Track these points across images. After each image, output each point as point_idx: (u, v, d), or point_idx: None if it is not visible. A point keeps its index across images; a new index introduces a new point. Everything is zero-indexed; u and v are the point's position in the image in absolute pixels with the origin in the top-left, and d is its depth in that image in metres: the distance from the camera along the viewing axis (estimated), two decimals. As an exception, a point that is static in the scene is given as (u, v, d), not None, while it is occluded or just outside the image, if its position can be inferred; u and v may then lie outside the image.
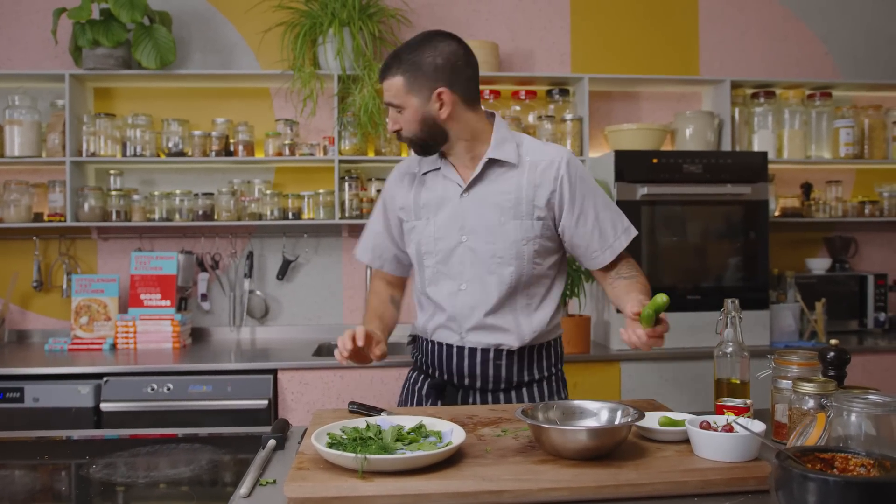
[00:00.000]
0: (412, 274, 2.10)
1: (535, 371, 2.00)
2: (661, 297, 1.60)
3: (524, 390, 1.99)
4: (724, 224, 3.42)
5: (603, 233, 1.93)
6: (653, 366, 3.22)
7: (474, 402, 1.99)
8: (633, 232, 1.98)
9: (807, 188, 3.94)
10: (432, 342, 2.02)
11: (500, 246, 1.88)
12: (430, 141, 1.89)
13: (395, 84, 1.83)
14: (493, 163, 1.90)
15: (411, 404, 2.07)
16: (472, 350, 1.95)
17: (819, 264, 3.88)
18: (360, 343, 1.75)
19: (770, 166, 3.75)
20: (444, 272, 1.93)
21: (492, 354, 1.94)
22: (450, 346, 1.97)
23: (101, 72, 3.45)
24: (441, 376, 2.01)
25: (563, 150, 1.93)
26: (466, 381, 1.97)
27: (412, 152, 1.97)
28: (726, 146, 3.74)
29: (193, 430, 1.97)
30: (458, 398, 2.00)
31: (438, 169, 1.95)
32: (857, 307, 3.78)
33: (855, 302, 3.78)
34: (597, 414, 1.54)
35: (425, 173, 1.97)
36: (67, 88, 3.41)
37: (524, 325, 1.93)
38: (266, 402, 3.02)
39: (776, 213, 3.84)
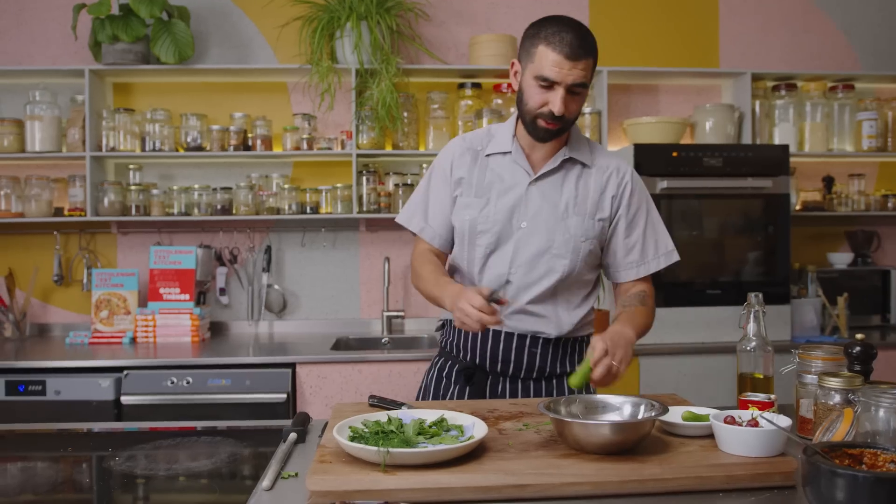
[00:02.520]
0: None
1: (567, 363, 1.99)
2: (583, 368, 1.60)
3: (554, 381, 1.99)
4: (745, 218, 3.39)
5: (645, 248, 1.98)
6: (672, 360, 3.20)
7: (502, 390, 1.97)
8: (675, 257, 2.02)
9: (829, 182, 3.89)
10: None
11: (558, 239, 1.89)
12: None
13: (589, 65, 1.78)
14: (567, 160, 1.92)
15: (436, 388, 2.04)
16: (509, 335, 1.94)
17: (841, 258, 3.84)
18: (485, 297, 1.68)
19: (791, 160, 3.70)
20: (496, 254, 1.92)
21: (528, 341, 1.93)
22: (489, 330, 1.94)
23: (121, 67, 3.47)
24: (473, 360, 1.98)
25: (627, 162, 2.01)
26: (499, 366, 1.95)
27: (466, 136, 1.98)
28: (747, 139, 3.71)
29: (213, 423, 1.98)
30: (487, 384, 1.98)
31: (508, 153, 1.94)
32: (880, 302, 3.74)
33: (878, 297, 3.74)
34: (620, 408, 1.53)
35: (489, 155, 1.96)
36: (87, 84, 3.42)
37: (563, 317, 1.94)
38: (284, 395, 3.03)
39: (797, 207, 3.80)
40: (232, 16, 3.75)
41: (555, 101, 1.77)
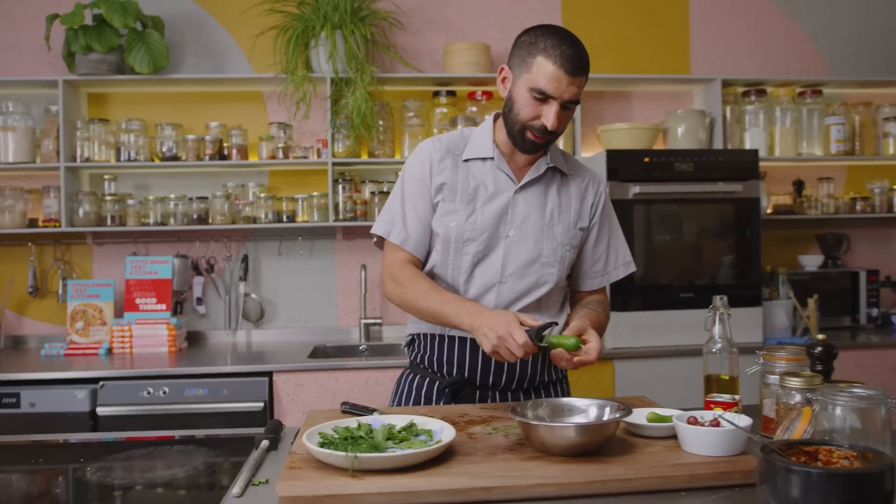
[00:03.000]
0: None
1: (555, 371, 2.00)
2: (570, 341, 1.64)
3: (542, 391, 1.98)
4: (717, 222, 3.44)
5: (608, 259, 2.00)
6: (646, 363, 3.24)
7: (492, 403, 1.93)
8: (633, 268, 2.04)
9: (799, 185, 3.96)
10: (450, 338, 1.93)
11: (546, 247, 1.89)
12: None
13: (584, 81, 1.77)
14: (549, 168, 1.92)
15: (413, 405, 1.99)
16: None
17: (812, 261, 3.90)
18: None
19: (762, 164, 3.77)
20: (484, 263, 1.88)
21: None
22: (474, 342, 1.86)
23: (95, 77, 3.47)
24: (460, 374, 1.92)
25: (596, 173, 2.03)
26: (490, 378, 1.91)
27: (440, 138, 1.94)
28: (718, 144, 3.76)
29: (188, 432, 1.98)
30: (476, 399, 1.94)
31: (490, 159, 1.90)
32: (850, 303, 3.81)
33: (848, 298, 3.81)
34: (585, 411, 1.55)
35: (467, 160, 1.91)
36: (61, 94, 3.42)
37: None
38: (262, 404, 3.03)
39: (768, 211, 3.86)
40: (207, 25, 3.76)
41: (549, 116, 1.74)
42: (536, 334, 1.64)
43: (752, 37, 4.07)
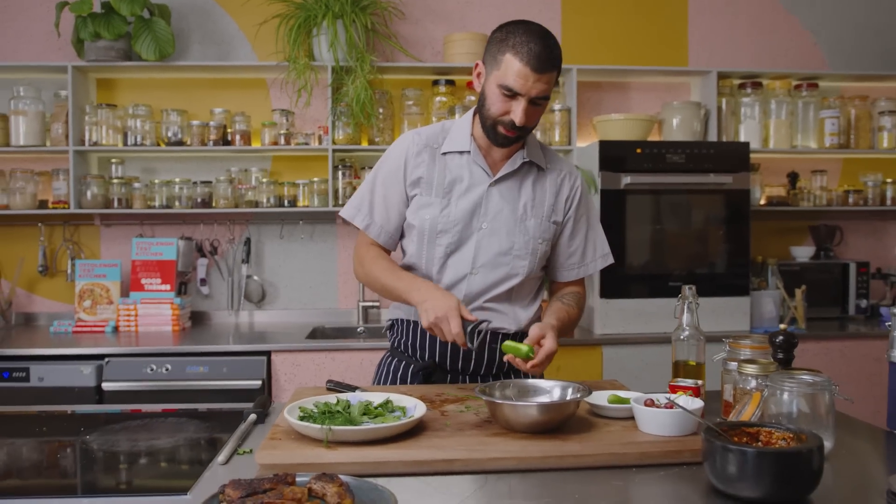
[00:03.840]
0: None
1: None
2: (523, 349, 1.73)
3: (512, 376, 2.03)
4: (708, 213, 3.51)
5: (585, 252, 2.07)
6: (634, 349, 3.32)
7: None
8: (611, 259, 2.11)
9: (793, 177, 4.01)
10: None
11: (518, 240, 1.95)
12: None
13: (553, 77, 1.80)
14: (525, 162, 1.97)
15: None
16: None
17: (804, 252, 3.96)
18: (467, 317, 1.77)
19: (756, 156, 3.83)
20: (456, 254, 1.95)
21: (488, 337, 1.96)
22: None
23: (103, 64, 3.56)
24: (432, 359, 2.01)
25: (574, 166, 2.09)
26: (460, 364, 1.99)
27: (420, 131, 1.99)
28: (713, 136, 3.82)
29: (188, 406, 2.09)
30: (447, 382, 2.02)
31: (466, 153, 1.95)
32: (840, 294, 3.86)
33: (838, 289, 3.87)
34: (549, 391, 1.65)
35: (445, 153, 1.96)
36: (70, 80, 3.52)
37: (520, 313, 2.01)
38: (260, 382, 3.14)
39: (762, 202, 3.92)
40: (212, 13, 3.85)
41: (517, 112, 1.79)
42: (469, 333, 1.73)
43: (751, 29, 4.11)
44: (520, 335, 2.00)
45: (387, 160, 2.01)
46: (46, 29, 3.72)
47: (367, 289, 2.06)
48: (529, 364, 1.73)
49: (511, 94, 1.79)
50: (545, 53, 1.76)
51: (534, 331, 1.77)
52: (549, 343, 1.75)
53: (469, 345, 1.73)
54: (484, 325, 1.77)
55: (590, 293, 3.48)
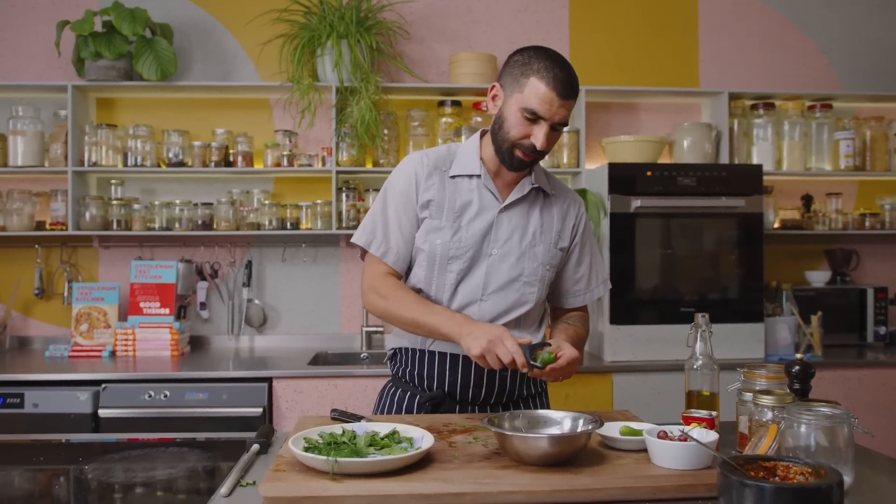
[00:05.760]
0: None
1: (534, 385, 2.03)
2: (547, 355, 1.68)
3: (521, 405, 1.99)
4: (719, 237, 3.42)
5: (589, 279, 2.06)
6: (645, 377, 3.22)
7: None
8: (609, 285, 2.13)
9: (807, 200, 3.92)
10: (431, 353, 1.94)
11: (528, 267, 1.92)
12: None
13: (573, 105, 1.81)
14: (532, 189, 1.95)
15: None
16: None
17: (819, 277, 3.86)
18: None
19: (770, 178, 3.75)
20: (467, 281, 1.91)
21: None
22: (455, 357, 1.91)
23: (103, 83, 3.52)
24: (440, 389, 1.95)
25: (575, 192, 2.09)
26: (470, 392, 1.93)
27: (427, 153, 1.95)
28: (724, 158, 3.74)
29: (187, 435, 2.02)
30: (456, 413, 1.95)
31: (476, 177, 1.92)
32: (857, 321, 3.75)
33: (855, 316, 3.76)
34: (560, 422, 1.58)
35: (454, 176, 1.93)
36: (70, 99, 3.47)
37: (528, 338, 1.94)
38: (261, 409, 3.05)
39: (776, 226, 3.83)
40: (215, 33, 3.81)
41: (538, 136, 1.78)
42: (531, 352, 1.66)
43: (762, 50, 4.05)
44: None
45: (395, 183, 1.95)
46: (46, 48, 3.68)
47: (378, 318, 1.98)
48: (548, 367, 1.67)
49: (534, 119, 1.78)
50: (569, 80, 1.77)
51: (553, 345, 1.73)
52: (566, 349, 1.70)
53: (530, 363, 1.65)
54: (546, 347, 1.70)
55: (599, 319, 3.38)
